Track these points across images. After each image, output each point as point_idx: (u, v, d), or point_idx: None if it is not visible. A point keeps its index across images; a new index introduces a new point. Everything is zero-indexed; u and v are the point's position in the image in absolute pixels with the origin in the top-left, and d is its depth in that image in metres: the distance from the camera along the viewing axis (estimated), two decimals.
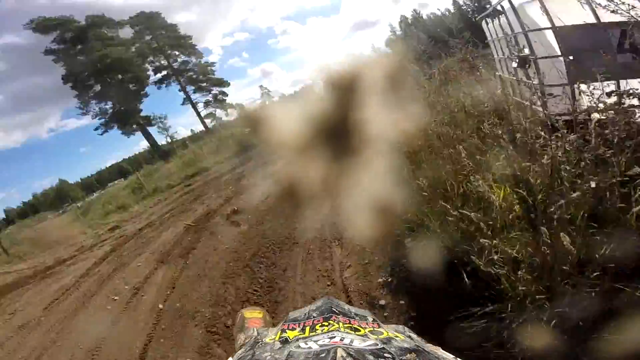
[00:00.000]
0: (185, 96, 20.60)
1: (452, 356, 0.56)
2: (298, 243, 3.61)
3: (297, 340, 0.62)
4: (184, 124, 27.53)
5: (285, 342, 0.63)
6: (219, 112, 21.99)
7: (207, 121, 21.79)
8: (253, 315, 1.25)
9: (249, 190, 6.03)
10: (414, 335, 0.69)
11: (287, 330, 0.70)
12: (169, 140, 20.22)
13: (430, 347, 0.61)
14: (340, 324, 0.68)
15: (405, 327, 0.74)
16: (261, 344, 0.68)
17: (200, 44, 23.39)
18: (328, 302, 0.80)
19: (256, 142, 14.36)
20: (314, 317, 0.74)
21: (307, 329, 0.69)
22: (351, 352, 0.46)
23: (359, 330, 0.66)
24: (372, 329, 0.68)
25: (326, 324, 0.69)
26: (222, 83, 21.79)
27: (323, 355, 0.48)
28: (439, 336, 1.90)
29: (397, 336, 0.64)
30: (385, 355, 0.48)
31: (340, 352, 0.46)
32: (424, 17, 31.39)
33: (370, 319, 0.76)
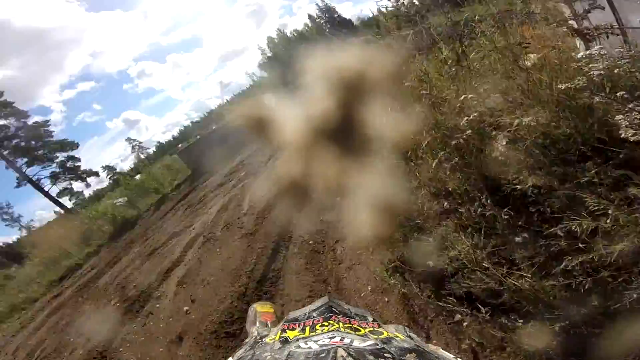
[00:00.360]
0: (18, 174, 15.45)
1: (452, 356, 0.60)
2: None
3: (297, 340, 0.64)
4: (44, 205, 21.59)
5: (285, 342, 0.65)
6: (77, 185, 17.50)
7: (65, 199, 17.03)
8: (265, 309, 1.29)
9: (141, 314, 3.97)
10: (414, 335, 0.72)
11: (287, 330, 0.71)
12: (26, 232, 15.69)
13: (430, 347, 0.64)
14: (340, 324, 0.70)
15: (406, 327, 0.77)
16: (261, 344, 0.69)
17: (32, 103, 18.78)
18: (328, 302, 0.82)
19: (133, 217, 11.08)
20: (314, 317, 0.77)
21: (307, 329, 0.70)
22: (351, 352, 0.48)
23: (359, 330, 0.69)
24: (372, 329, 0.71)
25: (326, 324, 0.71)
26: (67, 146, 17.31)
27: (323, 355, 0.50)
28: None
29: (397, 336, 0.67)
30: (385, 355, 0.51)
31: (340, 352, 0.48)
32: (288, 34, 34.86)
33: (370, 319, 0.78)
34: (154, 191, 12.14)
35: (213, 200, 7.28)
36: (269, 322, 1.13)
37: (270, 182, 5.61)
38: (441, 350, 0.63)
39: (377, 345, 0.56)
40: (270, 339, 0.70)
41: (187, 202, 8.76)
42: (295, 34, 32.29)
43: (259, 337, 0.77)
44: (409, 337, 0.70)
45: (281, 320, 1.20)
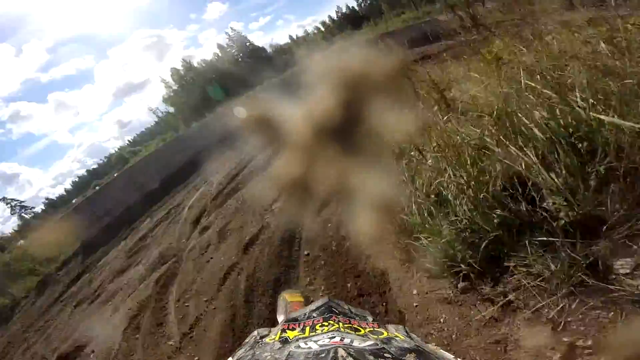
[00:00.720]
0: None
1: (451, 356, 0.63)
2: None
3: (297, 340, 0.67)
4: None
5: (285, 342, 0.68)
6: None
7: None
8: (295, 298, 1.31)
9: None
10: (414, 335, 0.75)
11: (287, 330, 0.75)
12: None
13: (430, 347, 0.67)
14: (340, 324, 0.73)
15: (406, 327, 0.80)
16: (261, 344, 0.72)
17: None
18: (328, 302, 0.86)
19: (5, 306, 8.81)
20: (313, 317, 0.80)
21: (307, 329, 0.74)
22: (351, 352, 0.51)
23: (359, 331, 0.72)
24: (372, 329, 0.74)
25: (326, 324, 0.74)
26: None
27: (323, 355, 0.52)
28: None
29: (397, 336, 0.70)
30: (385, 355, 0.53)
31: (340, 352, 0.50)
32: (195, 65, 34.66)
33: (370, 319, 0.82)
34: (28, 272, 10.07)
35: (114, 298, 5.04)
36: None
37: (210, 274, 3.68)
38: (441, 350, 0.66)
39: (377, 345, 0.59)
40: (270, 339, 0.72)
41: (78, 292, 6.77)
42: (204, 64, 32.35)
43: (258, 337, 0.79)
44: (409, 337, 0.73)
45: None
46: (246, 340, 0.83)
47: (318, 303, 0.88)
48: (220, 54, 33.26)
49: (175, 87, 32.29)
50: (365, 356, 0.51)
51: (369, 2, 40.49)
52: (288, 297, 1.31)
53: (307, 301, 1.31)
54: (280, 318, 1.21)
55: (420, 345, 0.65)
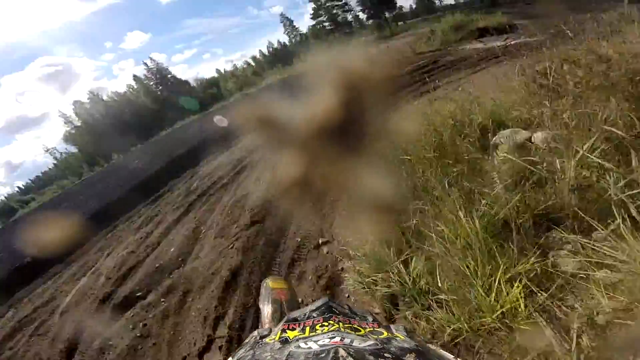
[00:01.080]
0: None
1: (452, 356, 0.66)
2: None
3: (297, 340, 0.69)
4: None
5: (285, 342, 0.71)
6: None
7: None
8: (278, 285, 1.33)
9: None
10: (414, 335, 0.77)
11: (287, 330, 0.78)
12: None
13: (430, 347, 0.70)
14: (340, 324, 0.76)
15: (406, 327, 0.82)
16: (261, 344, 0.75)
17: None
18: (328, 302, 0.89)
19: None
20: (313, 317, 0.83)
21: (307, 329, 0.77)
22: (351, 352, 0.53)
23: (359, 331, 0.74)
24: (372, 329, 0.77)
25: (326, 324, 0.77)
26: None
27: (323, 355, 0.54)
28: None
29: (397, 336, 0.72)
30: (385, 355, 0.55)
31: (340, 352, 0.53)
32: (105, 98, 32.45)
33: (370, 319, 0.85)
34: None
35: None
36: (283, 300, 1.22)
37: None
38: (441, 350, 0.68)
39: (377, 345, 0.61)
40: (270, 339, 0.75)
41: None
42: (116, 98, 30.42)
43: (258, 337, 0.82)
44: (409, 337, 0.75)
45: (295, 296, 1.35)
46: (246, 341, 0.84)
47: (318, 303, 0.90)
48: (135, 87, 31.75)
49: (78, 124, 29.59)
50: (365, 356, 0.53)
51: (299, 38, 43.49)
52: (271, 284, 1.35)
53: (291, 289, 1.39)
54: (263, 305, 1.24)
55: (420, 345, 0.67)
